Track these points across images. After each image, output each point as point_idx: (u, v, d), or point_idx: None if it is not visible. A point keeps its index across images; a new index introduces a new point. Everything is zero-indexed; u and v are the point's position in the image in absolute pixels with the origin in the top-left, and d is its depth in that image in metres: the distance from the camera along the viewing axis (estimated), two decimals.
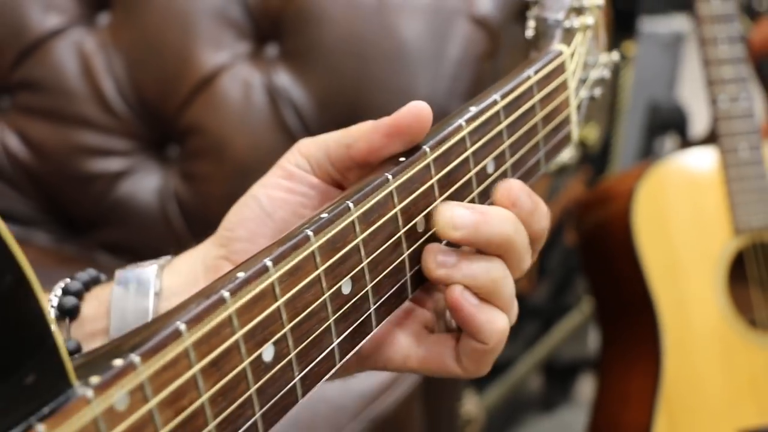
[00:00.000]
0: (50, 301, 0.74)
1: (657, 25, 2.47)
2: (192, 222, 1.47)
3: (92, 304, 0.74)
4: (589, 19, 0.85)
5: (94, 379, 0.46)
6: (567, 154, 1.81)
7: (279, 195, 0.71)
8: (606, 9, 1.79)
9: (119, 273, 0.74)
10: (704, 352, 1.48)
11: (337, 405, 1.28)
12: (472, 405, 1.78)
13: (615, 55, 0.93)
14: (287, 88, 1.46)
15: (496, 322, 0.65)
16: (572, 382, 2.29)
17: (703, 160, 1.50)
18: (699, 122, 2.08)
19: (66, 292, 0.74)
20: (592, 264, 1.63)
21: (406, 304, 0.71)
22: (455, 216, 0.66)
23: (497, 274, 0.66)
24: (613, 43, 1.93)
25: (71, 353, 0.56)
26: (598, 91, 0.89)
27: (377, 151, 0.68)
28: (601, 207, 1.57)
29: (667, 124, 2.37)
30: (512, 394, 2.08)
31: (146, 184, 1.54)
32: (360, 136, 0.69)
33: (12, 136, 1.58)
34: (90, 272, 0.76)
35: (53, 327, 0.47)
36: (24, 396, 0.45)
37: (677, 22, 2.32)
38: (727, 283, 1.47)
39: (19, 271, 0.44)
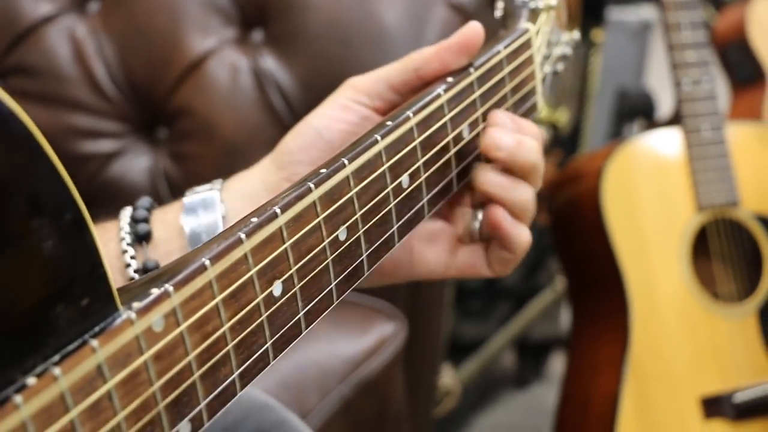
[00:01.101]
0: (122, 229, 0.80)
1: (625, 14, 2.48)
2: None
3: (160, 228, 0.81)
4: (552, 0, 0.89)
5: (136, 305, 0.52)
6: None
7: (336, 125, 0.79)
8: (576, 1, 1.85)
9: (185, 200, 0.82)
10: (669, 323, 1.50)
11: (325, 369, 1.31)
12: (449, 378, 1.81)
13: (576, 35, 0.96)
14: (273, 71, 1.48)
15: (524, 237, 0.77)
16: (545, 359, 2.32)
17: (668, 140, 1.53)
18: (666, 108, 2.12)
19: (135, 220, 0.80)
20: (564, 241, 1.65)
21: (438, 224, 0.82)
22: (499, 138, 0.75)
23: (528, 197, 0.77)
24: (582, 30, 1.95)
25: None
26: (560, 66, 0.93)
27: (447, 68, 0.77)
28: (571, 186, 1.59)
29: (635, 109, 2.40)
30: (487, 371, 2.11)
31: (137, 164, 1.54)
32: (430, 57, 0.78)
33: None
34: (146, 199, 0.82)
35: (104, 259, 0.52)
36: (80, 317, 0.51)
37: (645, 11, 2.34)
38: (691, 258, 1.50)
39: (77, 210, 0.50)
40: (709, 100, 1.50)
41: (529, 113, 0.86)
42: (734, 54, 2.12)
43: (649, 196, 1.53)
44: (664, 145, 1.54)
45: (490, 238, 0.80)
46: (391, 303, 1.46)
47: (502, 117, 0.79)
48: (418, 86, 0.78)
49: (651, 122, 2.13)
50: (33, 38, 1.55)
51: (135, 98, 1.55)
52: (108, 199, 1.53)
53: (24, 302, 0.50)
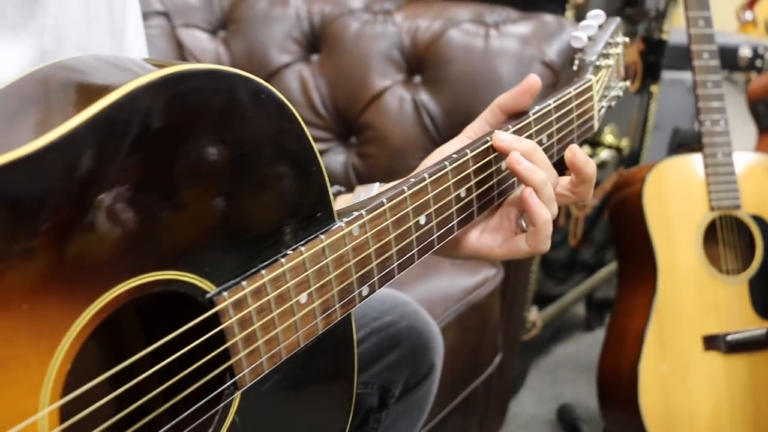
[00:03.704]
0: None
1: (679, 75, 2.51)
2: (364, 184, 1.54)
3: (339, 203, 0.81)
4: (611, 61, 0.88)
5: (345, 219, 0.61)
6: (606, 154, 1.95)
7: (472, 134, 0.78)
8: (640, 64, 1.92)
9: (357, 189, 0.81)
10: (685, 285, 1.52)
11: (448, 293, 1.35)
12: (534, 315, 1.83)
13: (626, 84, 0.94)
14: (425, 102, 1.52)
15: (545, 214, 0.70)
16: (605, 312, 2.29)
17: (691, 161, 1.55)
18: None
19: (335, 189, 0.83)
20: (617, 227, 1.65)
21: (496, 221, 0.77)
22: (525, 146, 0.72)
23: (547, 182, 0.71)
24: (642, 84, 1.97)
25: None
26: (613, 103, 0.91)
27: (518, 104, 0.75)
28: (623, 190, 1.60)
29: (684, 141, 2.42)
30: (563, 315, 2.09)
31: (336, 159, 1.61)
32: (507, 98, 0.76)
33: None
34: (336, 187, 0.85)
35: (330, 194, 0.61)
36: (315, 223, 0.60)
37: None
38: (703, 242, 1.52)
39: (320, 166, 0.60)
40: (724, 135, 1.52)
41: (586, 132, 0.85)
42: (761, 106, 2.13)
43: (676, 198, 1.54)
44: (689, 164, 1.55)
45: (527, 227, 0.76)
46: None
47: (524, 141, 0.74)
48: (503, 118, 0.77)
49: (682, 148, 2.11)
50: (277, 77, 1.65)
51: (337, 117, 1.62)
52: None
53: (304, 207, 0.59)
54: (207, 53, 1.68)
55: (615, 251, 1.68)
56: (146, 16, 1.63)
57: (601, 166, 1.89)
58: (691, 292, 1.53)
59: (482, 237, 0.76)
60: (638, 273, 1.58)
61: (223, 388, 0.55)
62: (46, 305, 0.45)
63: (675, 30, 2.06)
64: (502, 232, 0.76)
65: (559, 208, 0.76)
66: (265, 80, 1.79)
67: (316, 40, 1.66)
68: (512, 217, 0.75)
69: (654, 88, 2.03)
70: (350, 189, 0.85)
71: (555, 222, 0.72)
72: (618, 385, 1.57)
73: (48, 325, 0.45)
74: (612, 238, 1.68)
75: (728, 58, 2.90)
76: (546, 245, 0.73)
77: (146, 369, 0.51)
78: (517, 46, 1.46)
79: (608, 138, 1.90)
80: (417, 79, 1.57)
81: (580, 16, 1.63)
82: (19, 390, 0.44)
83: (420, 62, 1.56)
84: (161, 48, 1.64)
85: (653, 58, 1.97)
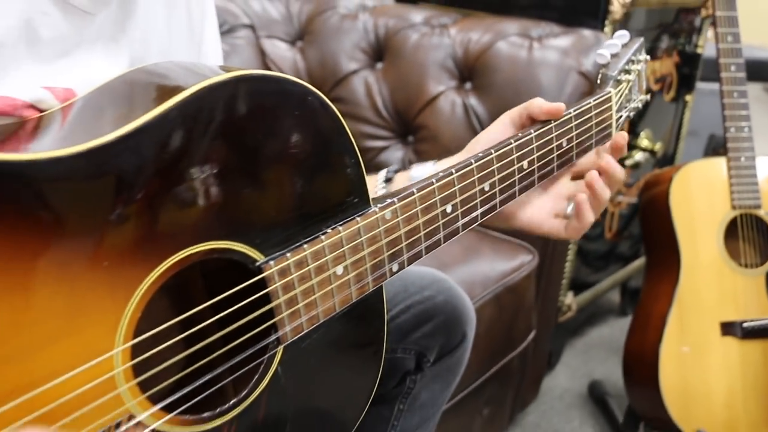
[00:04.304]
0: (380, 177, 0.85)
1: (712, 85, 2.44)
2: None
3: (399, 177, 0.85)
4: (631, 76, 0.88)
5: (379, 205, 0.64)
6: (640, 156, 1.91)
7: (494, 135, 0.80)
8: (676, 76, 1.89)
9: (414, 166, 0.83)
10: (706, 275, 1.50)
11: (486, 275, 1.36)
12: (570, 299, 1.82)
13: (646, 97, 0.93)
14: (474, 106, 1.53)
15: (591, 218, 0.77)
16: (638, 298, 2.21)
17: (717, 164, 1.52)
18: None
19: (387, 172, 0.84)
20: (646, 222, 1.62)
21: (546, 200, 0.81)
22: (615, 165, 0.79)
23: (607, 197, 0.78)
24: (678, 94, 1.94)
25: None
26: (632, 114, 0.91)
27: (539, 118, 0.77)
28: (652, 188, 1.57)
29: (718, 147, 2.30)
30: (599, 301, 2.07)
31: (395, 155, 1.63)
32: (535, 109, 0.77)
33: None
34: (395, 166, 0.87)
35: (366, 182, 0.62)
36: (352, 207, 0.62)
37: None
38: (724, 238, 1.50)
39: (358, 158, 0.62)
40: (747, 141, 1.50)
41: (604, 139, 0.84)
42: None
43: (700, 197, 1.52)
44: (713, 166, 1.53)
45: (572, 217, 0.80)
46: (531, 245, 1.48)
47: (616, 164, 0.80)
48: (528, 121, 0.78)
49: (715, 152, 2.05)
50: (345, 81, 1.68)
51: (397, 118, 1.64)
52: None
53: (343, 193, 0.61)
54: (285, 60, 1.72)
55: (644, 243, 1.66)
56: (234, 28, 1.70)
57: (634, 167, 1.86)
58: (711, 281, 1.51)
59: (534, 215, 0.80)
60: (663, 263, 1.57)
61: (267, 341, 0.59)
62: (123, 263, 0.50)
63: (711, 44, 2.00)
64: (551, 214, 0.81)
65: None
66: (334, 85, 1.80)
67: (381, 50, 1.68)
68: (563, 206, 0.80)
69: (688, 98, 1.99)
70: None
71: None
72: (641, 363, 1.56)
73: (123, 280, 0.50)
74: (642, 231, 1.66)
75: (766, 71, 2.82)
76: (579, 236, 0.79)
77: (205, 321, 0.55)
78: (557, 57, 1.46)
79: (644, 142, 1.88)
80: (468, 85, 1.58)
81: (617, 31, 1.61)
82: (97, 331, 0.49)
83: (471, 70, 1.57)
84: (247, 56, 1.68)
85: (688, 70, 1.94)
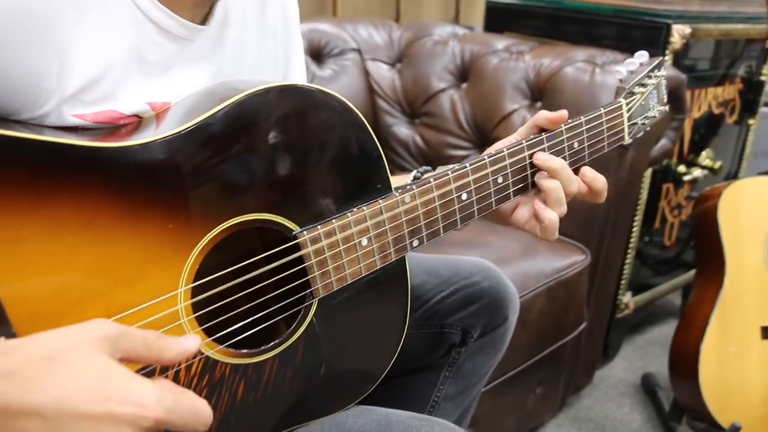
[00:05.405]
0: (409, 177, 0.81)
1: None
2: None
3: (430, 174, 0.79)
4: (645, 89, 0.86)
5: (397, 191, 0.67)
6: (698, 173, 1.84)
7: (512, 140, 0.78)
8: (739, 101, 1.81)
9: (438, 169, 0.78)
10: (748, 283, 1.45)
11: (541, 270, 1.36)
12: (627, 298, 1.78)
13: (665, 108, 0.90)
14: None
15: (549, 215, 0.73)
16: None
17: (764, 182, 1.48)
18: None
19: (417, 173, 0.82)
20: (697, 233, 1.57)
21: (528, 207, 0.76)
22: (550, 160, 0.74)
23: (560, 189, 0.73)
24: (741, 118, 1.85)
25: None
26: (648, 123, 0.87)
27: (546, 126, 0.76)
28: (704, 202, 1.54)
29: None
30: (663, 302, 2.02)
31: None
32: (541, 120, 0.76)
33: (417, 137, 1.70)
34: (423, 168, 0.82)
35: (388, 172, 0.65)
36: (376, 192, 0.65)
37: None
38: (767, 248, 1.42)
39: (379, 152, 0.65)
40: None
41: (615, 143, 0.83)
42: None
43: (747, 211, 1.47)
44: (762, 184, 1.48)
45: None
46: (585, 245, 1.46)
47: (558, 160, 0.74)
48: (537, 131, 0.77)
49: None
50: (434, 98, 1.69)
51: (476, 131, 1.64)
52: None
53: (367, 180, 0.64)
54: (385, 79, 1.76)
55: (695, 251, 1.60)
56: (344, 51, 1.77)
57: (692, 182, 1.80)
58: (753, 289, 1.45)
59: (519, 214, 0.78)
60: (710, 270, 1.52)
61: (303, 293, 0.64)
62: (184, 226, 0.57)
63: None
64: (530, 216, 0.77)
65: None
66: (425, 101, 1.84)
67: (466, 72, 1.69)
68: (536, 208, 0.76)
69: (751, 121, 1.89)
70: None
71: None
72: (683, 359, 1.51)
73: (185, 238, 0.57)
74: (693, 239, 1.61)
75: None
76: (551, 236, 0.74)
77: (250, 273, 0.62)
78: (615, 81, 1.44)
79: (706, 160, 1.82)
80: (538, 104, 1.57)
81: (677, 58, 1.58)
82: (164, 276, 0.57)
83: (541, 91, 1.57)
84: (353, 75, 1.74)
85: (752, 96, 1.85)
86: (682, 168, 1.77)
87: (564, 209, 0.74)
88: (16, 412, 0.38)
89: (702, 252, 1.57)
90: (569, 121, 0.78)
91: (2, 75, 0.53)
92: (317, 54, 1.72)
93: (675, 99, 1.45)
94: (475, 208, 0.72)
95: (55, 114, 0.57)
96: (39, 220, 0.49)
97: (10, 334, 0.48)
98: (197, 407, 0.44)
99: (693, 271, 2.08)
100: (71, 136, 0.55)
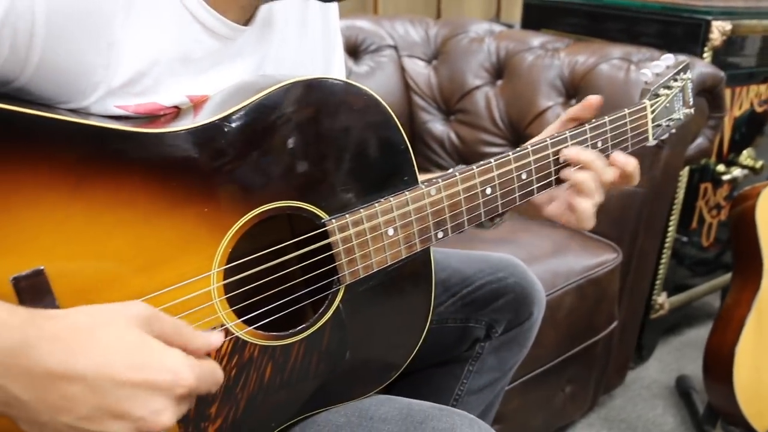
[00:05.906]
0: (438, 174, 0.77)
1: None
2: None
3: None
4: (670, 91, 0.87)
5: (423, 185, 0.68)
6: (738, 172, 1.79)
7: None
8: None
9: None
10: None
11: (571, 268, 1.35)
12: (662, 298, 1.76)
13: (690, 111, 0.91)
14: None
15: (582, 204, 0.75)
16: None
17: None
18: None
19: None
20: (735, 233, 1.55)
21: (563, 199, 0.78)
22: (581, 153, 0.75)
23: (591, 184, 0.75)
24: None
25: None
26: (673, 125, 0.88)
27: (581, 116, 0.79)
28: (742, 202, 1.52)
29: None
30: (701, 304, 1.99)
31: None
32: (577, 111, 0.79)
33: (452, 134, 1.71)
34: (461, 166, 0.81)
35: (415, 167, 0.66)
36: (402, 184, 0.67)
37: None
38: None
39: (407, 145, 0.67)
40: None
41: (639, 143, 0.84)
42: None
43: None
44: None
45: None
46: (617, 244, 1.46)
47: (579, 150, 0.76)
48: (571, 125, 0.80)
49: None
50: (469, 95, 1.69)
51: (510, 128, 1.64)
52: None
53: (395, 172, 0.66)
54: (421, 76, 1.77)
55: (732, 252, 1.58)
56: (380, 48, 1.79)
57: (732, 181, 1.77)
58: None
59: (553, 208, 0.80)
60: (747, 271, 1.50)
61: (331, 279, 0.66)
62: (220, 210, 0.60)
63: None
64: (564, 208, 0.79)
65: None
66: (460, 98, 1.85)
67: (501, 69, 1.69)
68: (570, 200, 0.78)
69: None
70: None
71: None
72: (718, 362, 1.50)
73: (219, 222, 0.60)
74: (731, 240, 1.58)
75: None
76: (587, 224, 0.76)
77: (280, 258, 0.65)
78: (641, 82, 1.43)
79: (747, 160, 1.80)
80: (573, 102, 1.56)
81: (717, 55, 1.55)
82: (199, 258, 0.60)
83: (576, 88, 1.57)
84: (389, 71, 1.75)
85: None
86: (721, 167, 1.74)
87: (601, 197, 0.75)
88: (59, 376, 0.41)
89: (739, 253, 1.55)
90: (593, 120, 0.79)
91: (55, 67, 0.56)
92: (354, 50, 1.74)
93: (713, 97, 1.43)
94: (500, 202, 0.73)
95: (99, 104, 0.60)
96: (84, 201, 0.52)
97: (54, 307, 0.52)
98: (216, 372, 0.49)
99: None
100: (114, 123, 0.58)
